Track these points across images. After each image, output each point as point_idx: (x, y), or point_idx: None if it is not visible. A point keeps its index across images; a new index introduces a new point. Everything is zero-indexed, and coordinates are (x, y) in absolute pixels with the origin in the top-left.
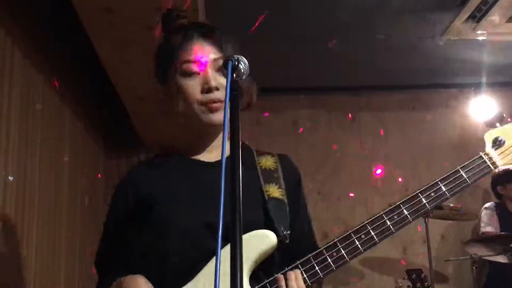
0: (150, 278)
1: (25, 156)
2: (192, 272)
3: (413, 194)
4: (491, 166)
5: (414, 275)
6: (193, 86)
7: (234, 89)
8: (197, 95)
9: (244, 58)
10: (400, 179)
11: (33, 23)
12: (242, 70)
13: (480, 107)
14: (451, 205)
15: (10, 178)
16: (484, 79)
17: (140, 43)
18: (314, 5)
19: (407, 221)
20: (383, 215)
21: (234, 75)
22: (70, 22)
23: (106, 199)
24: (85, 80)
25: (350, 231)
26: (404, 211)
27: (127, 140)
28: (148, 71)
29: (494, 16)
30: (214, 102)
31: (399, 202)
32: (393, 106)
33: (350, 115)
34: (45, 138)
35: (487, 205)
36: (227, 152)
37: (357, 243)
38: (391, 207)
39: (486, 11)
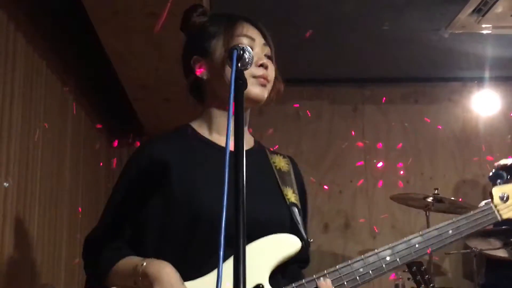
0: (169, 260)
1: (28, 143)
2: (213, 259)
3: (432, 229)
4: (498, 216)
5: (415, 267)
6: None
7: (239, 78)
8: (252, 67)
9: (249, 48)
10: (401, 172)
11: (36, 9)
12: (247, 60)
13: (483, 101)
14: (452, 198)
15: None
16: (487, 73)
17: (143, 31)
18: None
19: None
20: (412, 239)
21: (239, 64)
22: (73, 10)
23: (107, 186)
24: (87, 67)
25: (376, 251)
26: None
27: (129, 127)
28: (150, 58)
29: (500, 10)
30: (265, 77)
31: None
32: (396, 99)
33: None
34: (48, 125)
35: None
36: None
37: (382, 264)
38: (419, 234)
39: (492, 5)
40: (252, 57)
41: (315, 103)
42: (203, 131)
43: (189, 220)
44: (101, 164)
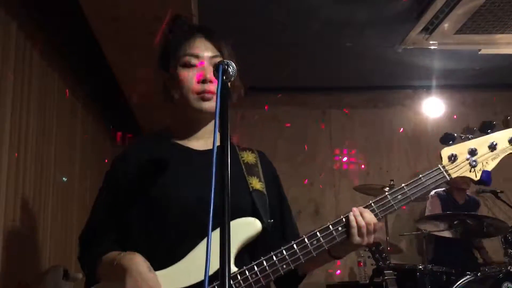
0: (145, 253)
1: (42, 144)
2: (186, 247)
3: (383, 196)
4: (446, 176)
5: (374, 247)
6: (190, 77)
7: (224, 88)
8: (193, 85)
9: (232, 63)
10: (362, 166)
11: (49, 29)
12: (231, 73)
13: (431, 106)
14: None
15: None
16: (434, 82)
17: (143, 47)
18: (293, 17)
19: (377, 218)
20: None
21: (224, 77)
22: (82, 29)
23: None
24: (94, 78)
25: (329, 223)
26: (375, 209)
27: (130, 129)
28: (149, 71)
29: (444, 29)
30: (207, 92)
31: (371, 202)
32: (359, 104)
33: (323, 112)
34: (60, 128)
35: (432, 192)
36: (217, 142)
37: (334, 234)
38: (365, 205)
39: (437, 24)
40: (236, 71)
41: (289, 108)
42: (176, 134)
43: (158, 217)
44: (106, 160)
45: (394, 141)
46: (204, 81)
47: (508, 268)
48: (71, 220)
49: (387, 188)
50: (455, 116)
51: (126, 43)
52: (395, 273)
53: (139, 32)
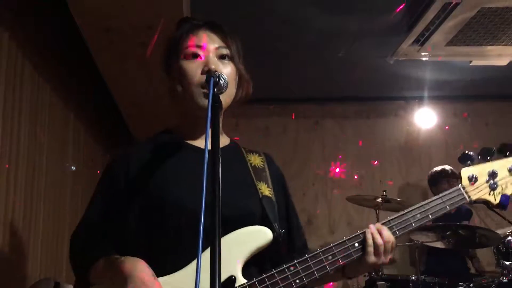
0: (146, 258)
1: (34, 155)
2: (190, 254)
3: (402, 213)
4: (467, 198)
5: None
6: (194, 68)
7: (215, 101)
8: (196, 77)
9: (224, 75)
10: (355, 176)
11: (42, 40)
12: (222, 85)
13: (423, 116)
14: (398, 199)
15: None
16: (426, 93)
17: (135, 57)
18: (285, 28)
19: (394, 236)
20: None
21: (215, 89)
22: (74, 39)
23: None
24: (86, 88)
25: (345, 238)
26: (393, 227)
27: (122, 139)
28: (141, 80)
29: (435, 40)
30: None
31: (389, 218)
32: (351, 114)
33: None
34: (52, 138)
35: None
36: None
37: (351, 250)
38: (383, 222)
39: (429, 36)
40: (227, 83)
41: (282, 118)
42: (184, 132)
43: (160, 218)
44: (98, 172)
45: (387, 152)
46: (208, 71)
47: (501, 278)
48: (62, 231)
49: (380, 199)
50: (447, 127)
51: (119, 53)
52: (388, 284)
53: (131, 42)
